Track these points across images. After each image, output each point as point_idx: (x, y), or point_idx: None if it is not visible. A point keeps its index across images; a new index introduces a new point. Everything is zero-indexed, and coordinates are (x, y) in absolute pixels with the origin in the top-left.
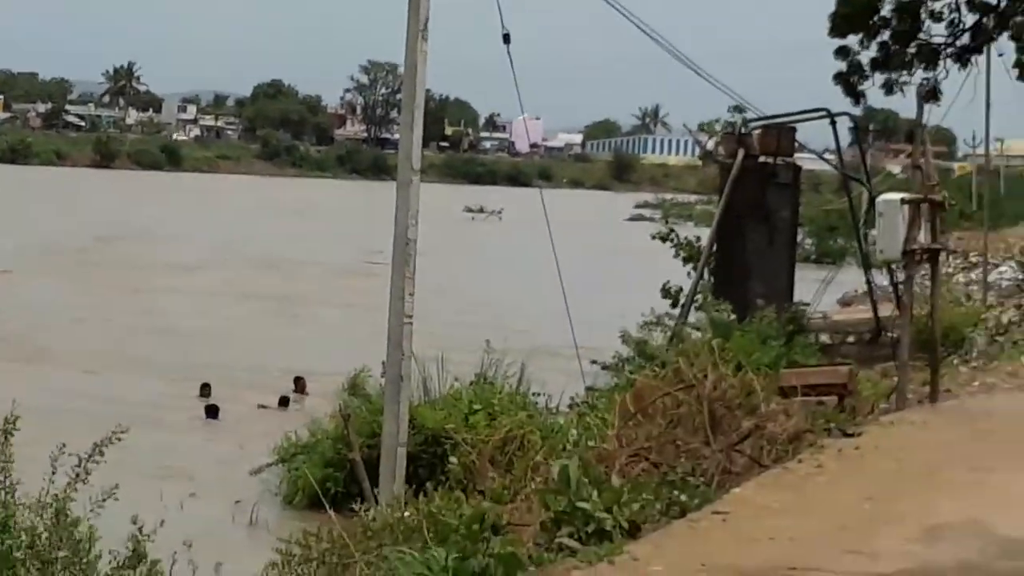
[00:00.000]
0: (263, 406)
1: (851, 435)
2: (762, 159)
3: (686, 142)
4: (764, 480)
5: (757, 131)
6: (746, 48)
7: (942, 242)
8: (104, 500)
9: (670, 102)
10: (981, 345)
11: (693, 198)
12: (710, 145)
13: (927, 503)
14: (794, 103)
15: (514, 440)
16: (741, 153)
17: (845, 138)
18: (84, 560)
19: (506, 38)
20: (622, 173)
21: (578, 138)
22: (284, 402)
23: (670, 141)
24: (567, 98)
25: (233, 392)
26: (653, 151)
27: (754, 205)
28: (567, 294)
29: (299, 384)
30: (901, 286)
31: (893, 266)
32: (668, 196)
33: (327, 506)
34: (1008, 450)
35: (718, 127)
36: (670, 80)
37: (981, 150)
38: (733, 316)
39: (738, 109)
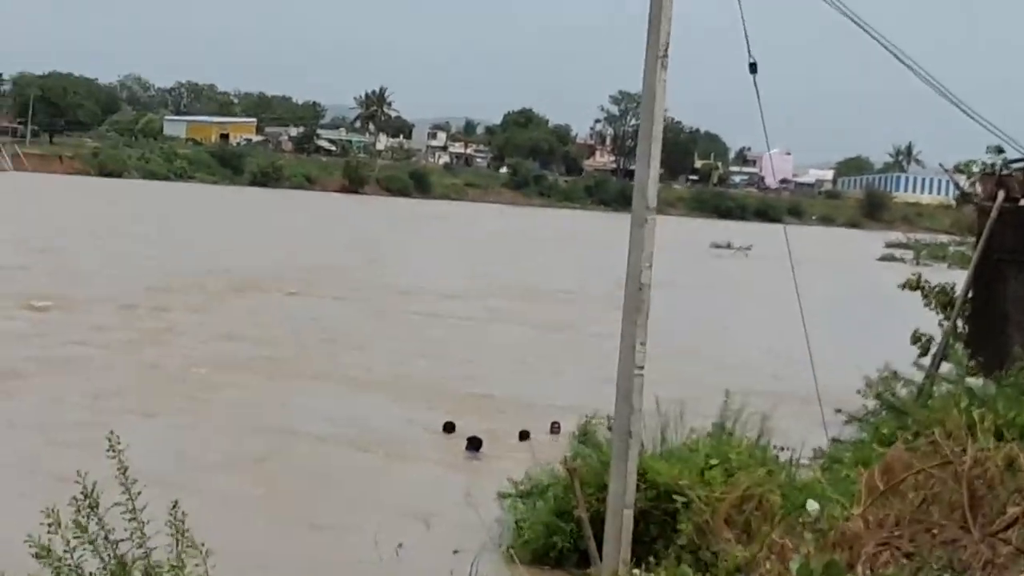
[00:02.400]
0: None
1: None
2: None
3: (940, 181)
4: None
5: (1020, 172)
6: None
7: None
8: None
9: (924, 140)
10: None
11: (947, 239)
12: (966, 186)
13: None
14: None
15: (752, 499)
16: (1001, 195)
17: None
18: None
19: (752, 67)
20: (874, 211)
21: (829, 174)
22: (525, 436)
23: (924, 180)
24: (818, 134)
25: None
26: (906, 189)
27: (1015, 250)
28: (810, 338)
29: (554, 427)
30: None
31: None
32: (920, 236)
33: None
34: None
35: (976, 168)
36: (924, 117)
37: None
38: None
39: (998, 149)
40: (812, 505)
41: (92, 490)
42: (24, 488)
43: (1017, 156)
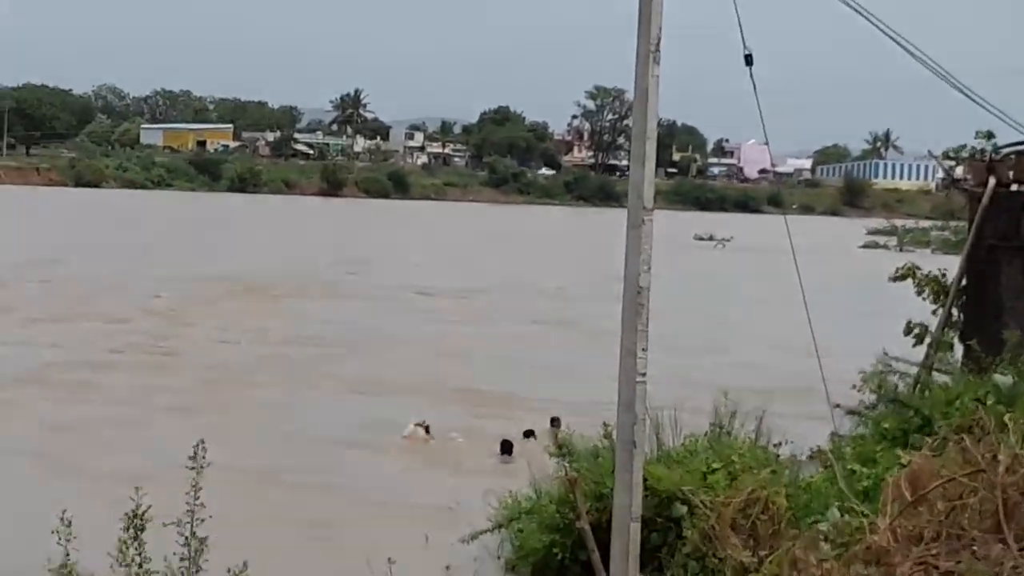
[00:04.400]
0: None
1: None
2: (1015, 187)
3: (919, 166)
4: None
5: (1010, 157)
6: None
7: None
8: None
9: (902, 127)
10: None
11: (928, 224)
12: (955, 172)
13: None
14: None
15: (757, 502)
16: (992, 181)
17: None
18: None
19: (748, 59)
20: (853, 198)
21: (807, 163)
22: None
23: (902, 165)
24: (795, 124)
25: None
26: (885, 176)
27: (1007, 236)
28: (801, 328)
29: (554, 423)
30: None
31: None
32: (901, 222)
33: None
34: None
35: (966, 153)
36: (901, 105)
37: None
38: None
39: (989, 134)
40: (834, 514)
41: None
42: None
43: (1006, 142)
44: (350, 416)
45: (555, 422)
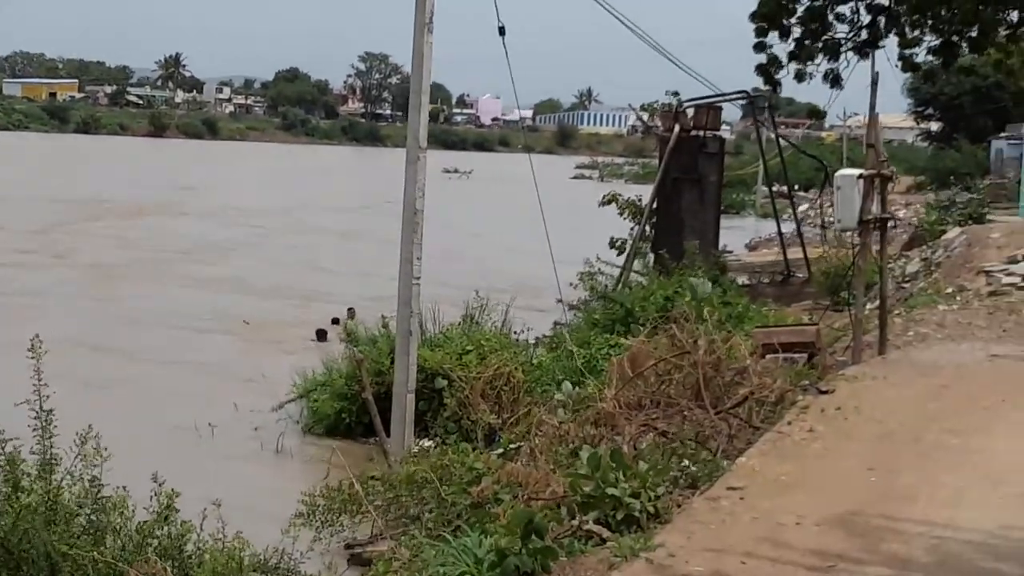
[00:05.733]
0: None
1: (824, 392)
2: (694, 133)
3: (614, 116)
4: (764, 448)
5: (690, 109)
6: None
7: (890, 212)
8: None
9: (599, 85)
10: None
11: (621, 160)
12: (648, 119)
13: (927, 476)
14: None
15: (501, 377)
16: (677, 128)
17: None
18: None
19: (501, 31)
20: (564, 141)
21: (529, 113)
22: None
23: (601, 115)
24: (520, 80)
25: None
26: (588, 123)
27: (688, 170)
28: (525, 239)
29: (350, 313)
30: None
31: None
32: (601, 159)
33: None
34: (969, 409)
35: (657, 106)
36: (599, 66)
37: (850, 122)
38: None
39: (675, 92)
40: (567, 387)
41: None
42: None
43: (688, 98)
44: (196, 307)
45: (351, 312)
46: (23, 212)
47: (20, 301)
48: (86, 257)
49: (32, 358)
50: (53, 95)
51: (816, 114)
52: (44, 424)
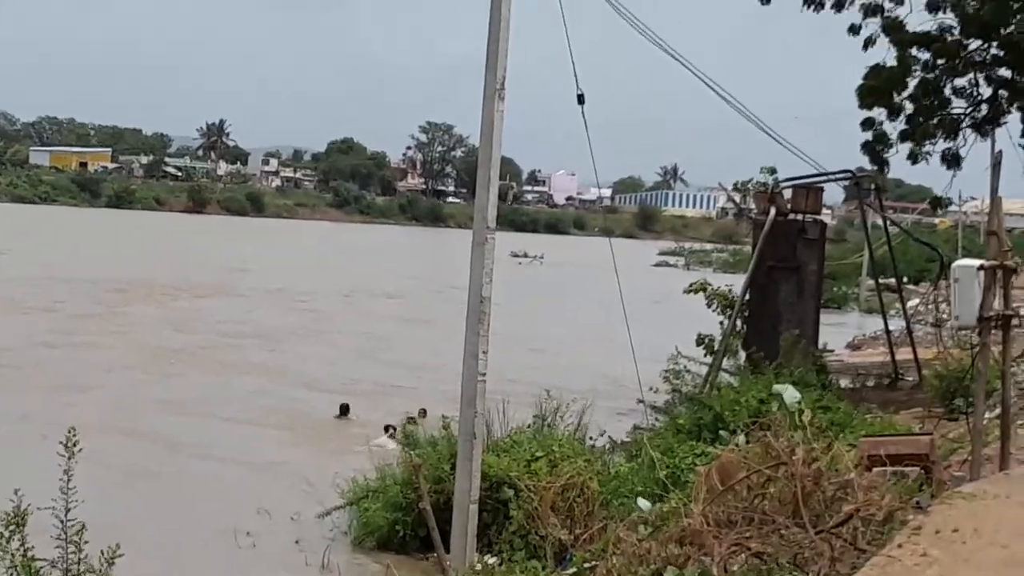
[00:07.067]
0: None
1: (925, 509)
2: (792, 216)
3: (701, 196)
4: (871, 574)
5: (788, 190)
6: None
7: (1015, 308)
8: None
9: (685, 163)
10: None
11: (709, 246)
12: (740, 201)
13: None
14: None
15: (574, 487)
16: (773, 211)
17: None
18: None
19: (580, 98)
20: (646, 223)
21: (608, 192)
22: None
23: (687, 196)
24: (599, 157)
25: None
26: (673, 204)
27: (785, 258)
28: (599, 333)
29: (421, 413)
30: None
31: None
32: (687, 244)
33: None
34: None
35: (751, 186)
36: (686, 144)
37: (966, 207)
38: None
39: (771, 170)
40: (644, 503)
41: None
42: None
43: (784, 177)
44: (247, 397)
45: (422, 412)
46: (74, 294)
47: (74, 382)
48: (135, 340)
49: (65, 455)
50: (84, 165)
51: (938, 203)
52: (67, 536)
